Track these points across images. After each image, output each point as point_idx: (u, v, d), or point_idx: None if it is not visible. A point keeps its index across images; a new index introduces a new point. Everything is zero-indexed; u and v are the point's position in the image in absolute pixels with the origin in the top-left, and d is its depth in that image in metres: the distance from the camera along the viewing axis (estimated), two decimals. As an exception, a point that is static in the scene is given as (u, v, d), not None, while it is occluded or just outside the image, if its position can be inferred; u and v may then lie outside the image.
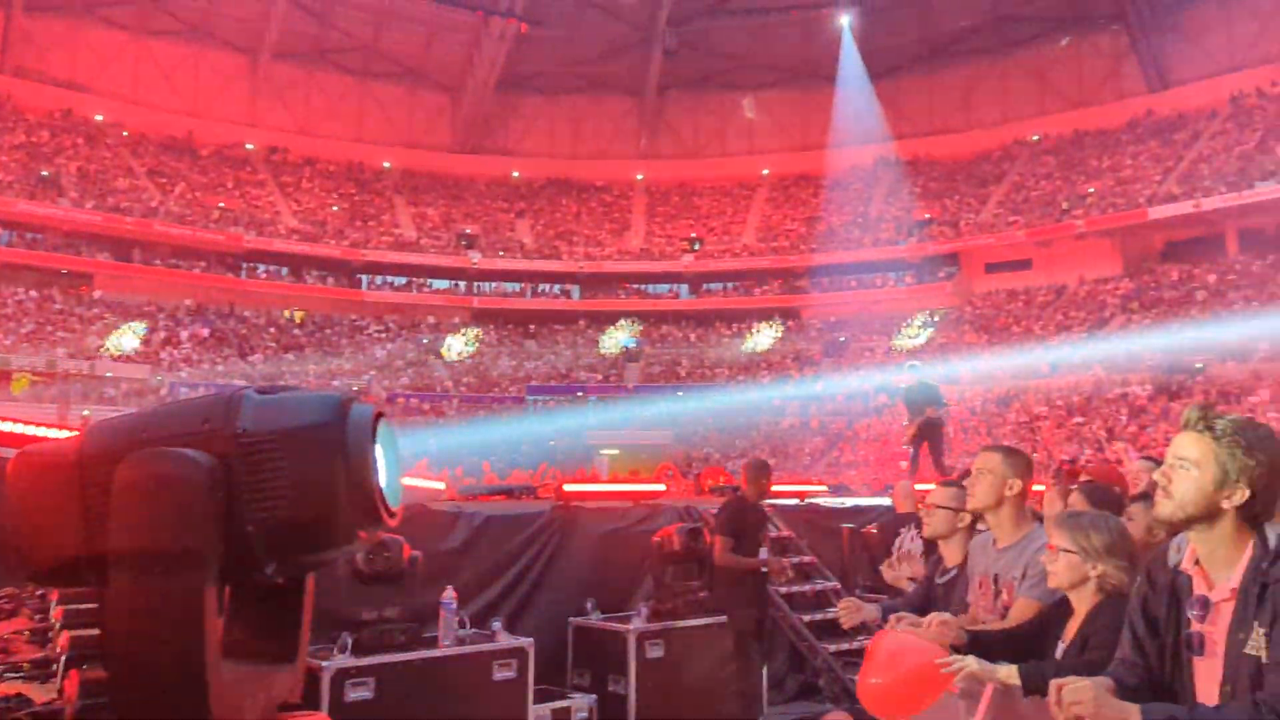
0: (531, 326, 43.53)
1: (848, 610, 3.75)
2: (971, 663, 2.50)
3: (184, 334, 36.53)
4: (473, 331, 42.81)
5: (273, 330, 39.04)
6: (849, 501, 9.35)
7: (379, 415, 1.31)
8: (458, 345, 41.74)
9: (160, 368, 34.08)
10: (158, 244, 38.01)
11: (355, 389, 35.06)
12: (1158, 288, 34.40)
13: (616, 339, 42.83)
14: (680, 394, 37.37)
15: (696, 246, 45.82)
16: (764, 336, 42.27)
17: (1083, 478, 5.25)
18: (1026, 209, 39.75)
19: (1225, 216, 34.49)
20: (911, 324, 39.87)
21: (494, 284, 44.42)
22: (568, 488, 7.05)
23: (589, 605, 6.44)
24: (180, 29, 42.48)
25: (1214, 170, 35.58)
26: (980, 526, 3.92)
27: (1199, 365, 28.66)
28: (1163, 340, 30.65)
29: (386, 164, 46.74)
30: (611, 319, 44.15)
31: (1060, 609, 2.71)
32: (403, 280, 43.17)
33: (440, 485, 7.45)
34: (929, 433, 10.43)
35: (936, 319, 40.02)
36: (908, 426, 10.66)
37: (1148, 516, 3.46)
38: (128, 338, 34.68)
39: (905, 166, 46.12)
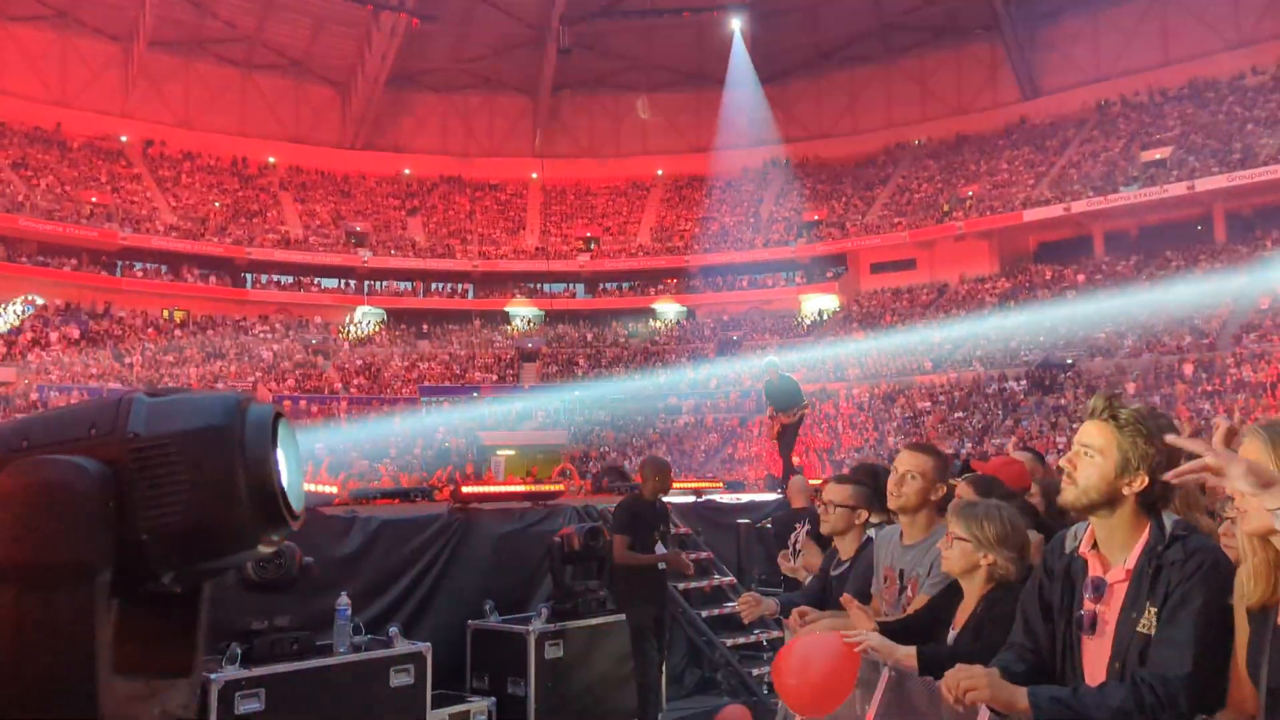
0: (425, 326, 42.88)
1: (748, 605, 3.79)
2: (874, 637, 2.56)
3: (53, 335, 34.68)
4: (376, 313, 42.29)
5: (150, 331, 37.43)
6: (744, 497, 9.49)
7: (278, 415, 1.27)
8: (364, 322, 41.22)
9: (27, 371, 32.27)
10: (23, 240, 35.99)
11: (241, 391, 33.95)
12: (1031, 287, 35.96)
13: (521, 318, 43.01)
14: (577, 394, 37.36)
15: (592, 246, 45.81)
16: (664, 312, 42.91)
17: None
18: (910, 211, 41.05)
19: (1093, 219, 36.33)
20: (801, 322, 40.72)
21: (385, 283, 43.58)
22: (465, 489, 6.97)
23: (487, 607, 6.38)
24: (46, 14, 40.30)
25: (1082, 175, 37.43)
26: (874, 520, 4.02)
27: (1070, 361, 30.09)
28: (1036, 337, 32.06)
29: (271, 159, 45.33)
30: (507, 318, 43.83)
31: (953, 595, 2.80)
32: (289, 279, 41.98)
33: (332, 489, 7.27)
34: (786, 428, 10.60)
35: (826, 317, 40.96)
36: (771, 423, 10.72)
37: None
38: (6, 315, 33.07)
39: (795, 168, 47.05)
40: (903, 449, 3.42)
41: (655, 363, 39.84)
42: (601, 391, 37.22)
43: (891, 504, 3.39)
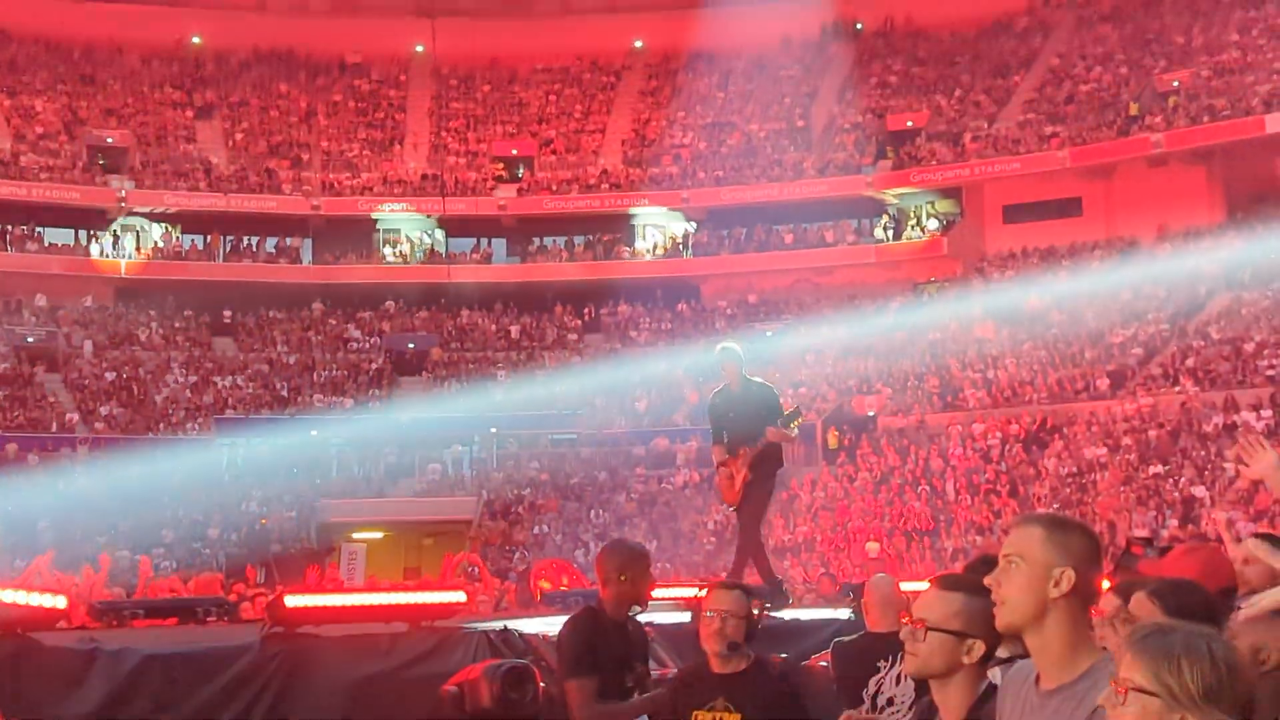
0: (226, 313, 42.64)
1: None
2: None
3: None
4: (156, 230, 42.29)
5: None
6: (784, 614, 9.51)
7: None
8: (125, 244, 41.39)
9: None
10: None
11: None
12: (1281, 246, 36.19)
13: (398, 297, 42.65)
14: (493, 430, 37.25)
15: (521, 172, 45.67)
16: (645, 287, 43.00)
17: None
18: (1072, 114, 41.21)
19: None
20: (885, 305, 40.81)
21: (156, 233, 43.30)
22: (291, 601, 6.94)
23: (332, 808, 6.36)
24: None
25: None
26: (1003, 654, 4.04)
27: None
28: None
29: (-44, 18, 45.11)
30: (372, 298, 43.65)
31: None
32: (-11, 229, 41.77)
33: (59, 600, 7.21)
34: (759, 473, 10.13)
35: (926, 299, 40.99)
36: (727, 466, 10.19)
37: (1256, 633, 3.61)
38: None
39: (872, 39, 47.08)
40: (1012, 524, 3.41)
41: (628, 374, 39.83)
42: (537, 441, 37.07)
43: (998, 620, 3.39)
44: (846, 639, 7.77)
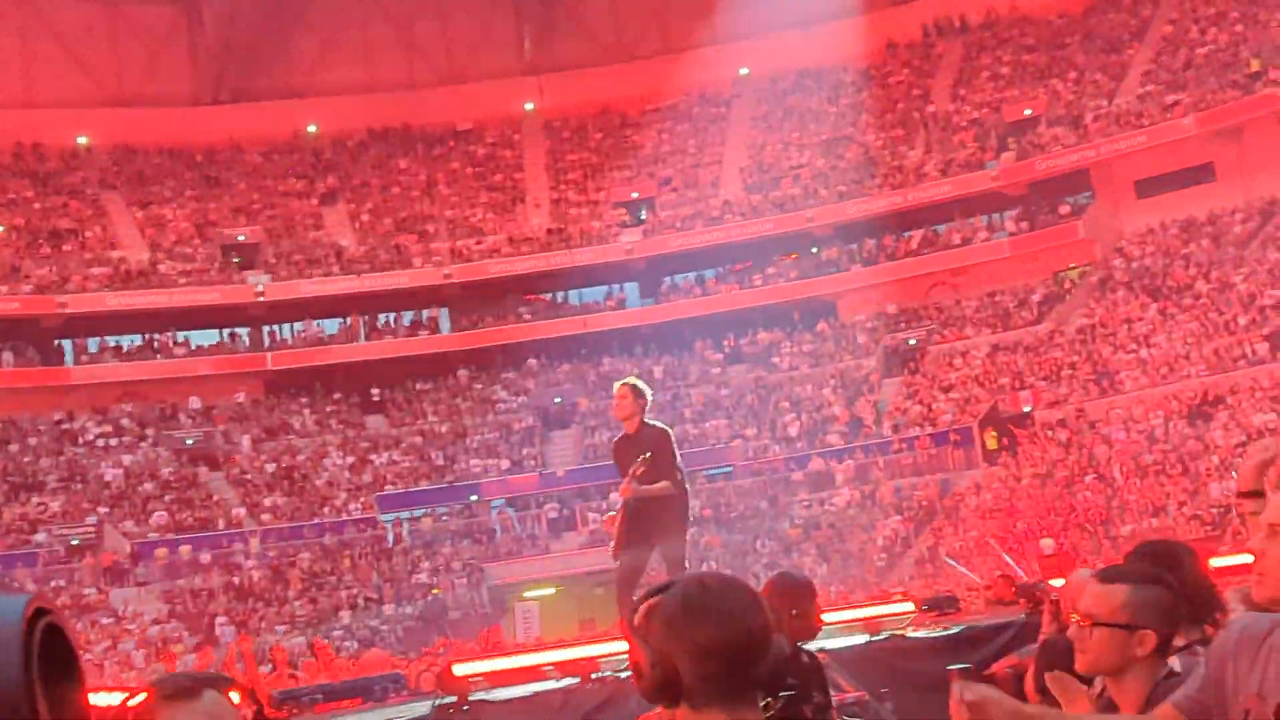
0: (374, 391, 43.16)
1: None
2: None
3: None
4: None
5: (-84, 457, 38.34)
6: (957, 625, 9.33)
7: (39, 617, 1.25)
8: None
9: None
10: None
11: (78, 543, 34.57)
12: None
13: (540, 354, 42.68)
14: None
15: (643, 214, 45.77)
16: (780, 310, 42.52)
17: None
18: (1193, 79, 40.44)
19: None
20: (1027, 298, 40.30)
21: (299, 325, 44.04)
22: (459, 670, 6.95)
23: None
24: None
25: None
26: (1180, 642, 3.91)
27: None
28: None
29: (83, 139, 46.20)
30: (514, 357, 43.88)
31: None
32: (136, 339, 42.57)
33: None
34: (657, 513, 9.15)
35: (1069, 286, 40.41)
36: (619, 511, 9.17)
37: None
38: None
39: (980, 33, 46.63)
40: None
41: (781, 400, 39.72)
42: (689, 460, 37.14)
43: (1258, 592, 3.32)
44: (1054, 638, 7.59)
